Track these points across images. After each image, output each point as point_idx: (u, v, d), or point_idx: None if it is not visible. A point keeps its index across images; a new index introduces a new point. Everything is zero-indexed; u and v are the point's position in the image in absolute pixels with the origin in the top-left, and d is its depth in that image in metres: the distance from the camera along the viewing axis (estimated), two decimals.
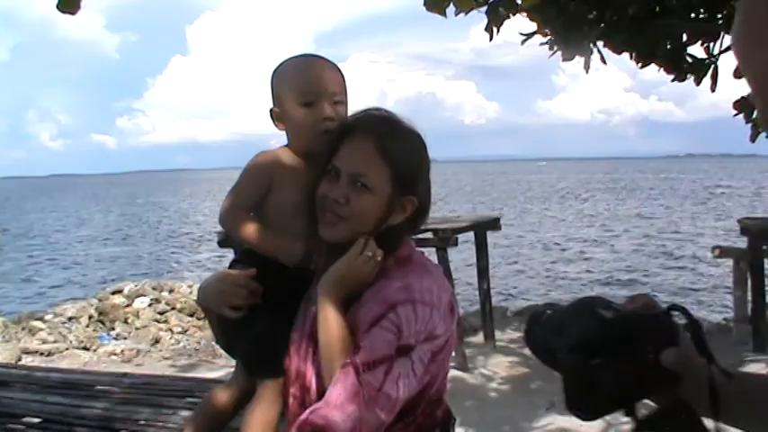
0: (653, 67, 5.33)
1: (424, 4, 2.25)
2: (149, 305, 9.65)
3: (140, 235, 28.88)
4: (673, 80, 5.53)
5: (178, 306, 9.62)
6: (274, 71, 1.59)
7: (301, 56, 1.61)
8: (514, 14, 4.31)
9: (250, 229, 1.48)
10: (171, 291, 10.25)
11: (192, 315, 9.26)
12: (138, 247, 24.07)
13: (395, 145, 1.33)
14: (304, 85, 1.49)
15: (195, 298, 1.70)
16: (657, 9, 4.61)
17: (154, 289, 10.22)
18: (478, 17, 4.29)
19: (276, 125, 1.56)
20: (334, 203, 1.33)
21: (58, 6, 1.93)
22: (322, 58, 1.59)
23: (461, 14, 3.84)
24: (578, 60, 5.45)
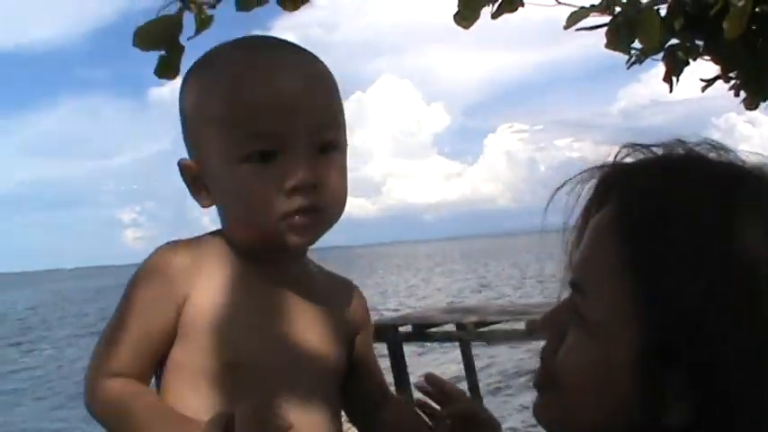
0: None
1: (606, 45, 1.95)
2: None
3: None
4: None
5: None
6: (186, 76, 0.86)
7: (243, 42, 0.83)
8: (695, 59, 3.75)
9: (137, 418, 0.77)
10: None
11: None
12: None
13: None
14: (252, 117, 0.76)
15: None
16: None
17: None
18: (625, 79, 3.81)
19: (195, 196, 0.85)
20: None
21: (155, 72, 1.83)
22: (284, 44, 0.83)
23: (616, 70, 3.41)
24: (764, 107, 4.75)
